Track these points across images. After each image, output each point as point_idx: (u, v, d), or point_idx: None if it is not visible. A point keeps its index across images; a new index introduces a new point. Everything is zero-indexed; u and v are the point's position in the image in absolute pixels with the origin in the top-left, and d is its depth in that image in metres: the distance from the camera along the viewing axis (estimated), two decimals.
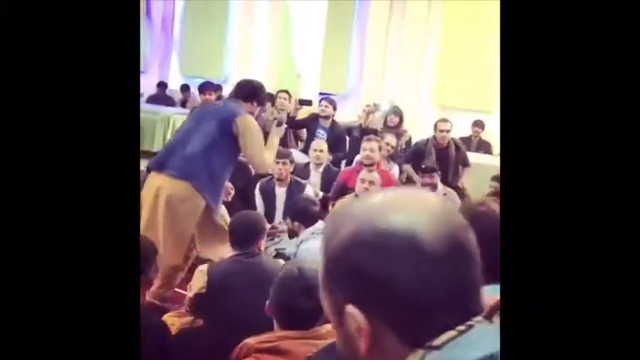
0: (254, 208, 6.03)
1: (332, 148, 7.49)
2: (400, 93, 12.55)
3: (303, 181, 6.43)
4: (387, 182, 6.21)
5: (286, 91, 8.57)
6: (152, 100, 11.76)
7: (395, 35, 13.60)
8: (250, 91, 5.06)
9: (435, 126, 7.51)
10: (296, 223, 4.98)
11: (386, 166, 7.01)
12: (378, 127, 8.47)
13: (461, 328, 0.97)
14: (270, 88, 8.36)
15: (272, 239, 5.74)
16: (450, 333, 0.97)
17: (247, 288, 3.50)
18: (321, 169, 6.96)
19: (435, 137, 7.48)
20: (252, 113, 4.99)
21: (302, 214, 5.00)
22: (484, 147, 10.03)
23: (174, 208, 4.71)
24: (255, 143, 4.86)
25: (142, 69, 12.38)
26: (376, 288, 0.97)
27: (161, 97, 11.96)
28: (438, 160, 7.20)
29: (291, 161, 6.35)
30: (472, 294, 1.02)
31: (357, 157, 7.06)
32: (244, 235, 3.85)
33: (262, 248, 4.00)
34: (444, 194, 6.37)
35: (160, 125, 9.81)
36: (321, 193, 6.68)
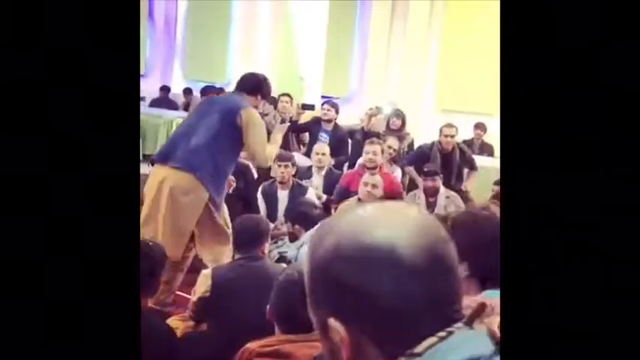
0: (256, 211, 6.02)
1: (334, 152, 7.48)
2: (402, 96, 12.56)
3: (305, 184, 6.43)
4: (389, 185, 6.20)
5: (288, 95, 8.57)
6: (155, 103, 11.76)
7: (397, 38, 13.60)
8: (254, 85, 5.04)
9: (441, 131, 7.50)
10: (296, 227, 4.98)
11: (388, 169, 7.00)
12: (380, 130, 8.47)
13: (441, 334, 0.99)
14: (273, 91, 8.38)
15: (275, 242, 5.74)
16: (431, 339, 0.98)
17: (251, 292, 3.50)
18: (323, 173, 6.96)
19: (440, 142, 7.47)
20: (256, 107, 4.99)
21: (302, 218, 5.00)
22: (486, 150, 10.03)
23: (177, 200, 4.69)
24: (258, 136, 4.84)
25: (144, 73, 12.44)
26: (357, 301, 0.99)
27: (164, 100, 11.96)
28: (442, 164, 7.19)
29: (293, 164, 6.35)
30: (452, 304, 1.03)
31: (360, 160, 7.06)
32: (248, 239, 3.85)
33: (266, 252, 3.99)
34: (447, 197, 6.38)
35: (163, 129, 9.81)
36: (324, 196, 6.68)
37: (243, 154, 5.51)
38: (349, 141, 8.17)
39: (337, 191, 6.54)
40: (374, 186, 5.78)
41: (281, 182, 6.21)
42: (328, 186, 6.83)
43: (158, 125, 9.63)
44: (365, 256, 0.99)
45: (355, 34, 13.93)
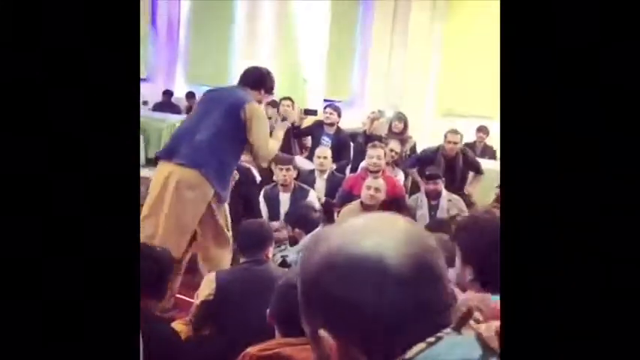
0: (258, 213, 6.03)
1: (336, 155, 7.48)
2: (405, 99, 12.57)
3: (306, 186, 6.42)
4: (392, 189, 6.20)
5: (289, 99, 8.58)
6: (158, 107, 11.77)
7: (399, 42, 13.63)
8: (258, 79, 5.02)
9: (445, 136, 7.49)
10: (297, 230, 4.97)
11: (391, 173, 6.99)
12: (382, 133, 8.47)
13: (430, 340, 1.00)
14: (276, 94, 8.37)
15: (278, 246, 5.74)
16: (420, 345, 0.99)
17: (255, 295, 3.49)
18: (325, 176, 6.96)
19: (444, 147, 7.46)
20: (259, 101, 4.97)
21: (302, 221, 4.99)
22: (488, 153, 10.01)
23: (182, 196, 4.69)
24: (262, 131, 4.83)
25: (147, 77, 12.45)
26: (346, 312, 1.00)
27: (167, 104, 11.97)
28: (446, 168, 7.17)
29: (294, 167, 6.36)
30: (440, 312, 1.03)
31: (362, 164, 7.05)
32: (252, 243, 3.84)
33: (270, 255, 3.98)
34: (449, 200, 6.37)
35: (166, 132, 9.81)
36: (323, 198, 6.67)
37: (244, 157, 5.51)
38: (351, 144, 8.16)
39: (340, 195, 6.54)
40: (377, 189, 5.78)
41: (283, 185, 6.21)
42: (331, 189, 6.82)
43: (161, 129, 9.64)
44: (353, 267, 1.00)
45: (357, 38, 13.94)
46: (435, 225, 5.17)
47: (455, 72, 12.87)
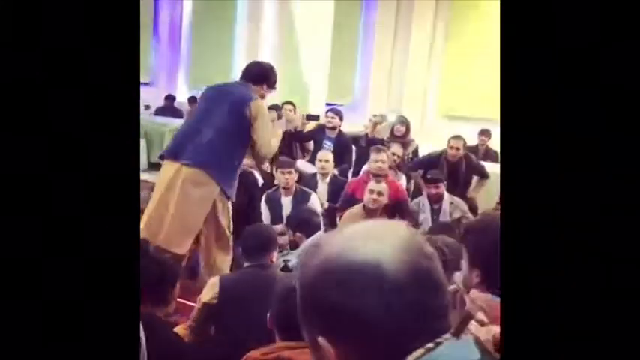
0: (260, 217, 6.03)
1: (338, 159, 7.47)
2: (407, 102, 12.57)
3: (308, 190, 6.42)
4: (394, 193, 6.19)
5: (291, 103, 8.58)
6: (160, 112, 11.78)
7: (401, 45, 13.64)
8: (260, 74, 5.02)
9: (448, 141, 7.49)
10: (297, 234, 4.97)
11: (393, 177, 6.98)
12: (384, 137, 8.47)
13: (429, 345, 0.99)
14: (278, 98, 8.38)
15: (281, 250, 5.74)
16: (419, 351, 0.99)
17: (259, 300, 3.48)
18: (327, 180, 6.95)
19: (447, 151, 7.45)
20: (262, 96, 4.96)
21: (303, 225, 4.99)
22: (490, 156, 10.00)
23: (188, 193, 4.70)
24: (266, 129, 4.85)
25: (150, 82, 12.47)
26: (344, 319, 1.00)
27: (169, 109, 11.99)
28: (448, 172, 7.17)
29: (296, 170, 6.36)
30: (438, 318, 1.03)
31: (365, 168, 7.05)
32: (257, 247, 3.83)
33: (274, 260, 3.98)
34: (451, 203, 6.37)
35: (169, 137, 9.80)
36: (326, 204, 6.68)
37: (246, 161, 5.51)
38: (353, 148, 8.16)
39: (343, 199, 6.53)
40: (379, 193, 5.77)
41: (285, 188, 6.21)
42: (333, 193, 6.81)
43: (163, 133, 9.63)
44: (351, 274, 1.00)
45: (359, 42, 13.95)
46: (438, 228, 5.16)
47: (457, 75, 12.87)
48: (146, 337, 2.32)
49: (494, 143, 10.16)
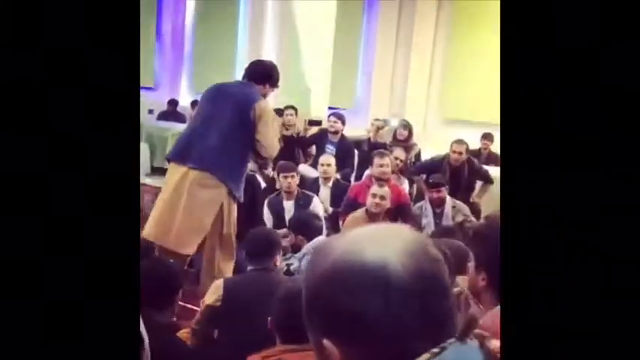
0: (263, 220, 6.04)
1: (341, 163, 7.47)
2: (409, 106, 12.57)
3: (310, 193, 6.42)
4: (397, 197, 6.19)
5: (293, 107, 8.58)
6: (163, 116, 11.79)
7: (403, 49, 13.64)
8: (263, 73, 5.01)
9: (450, 146, 7.49)
10: (299, 237, 4.97)
11: (396, 181, 6.98)
12: (387, 140, 8.48)
13: (435, 350, 0.99)
14: (280, 102, 8.39)
15: (284, 254, 5.74)
16: (424, 356, 0.98)
17: (262, 303, 3.48)
18: (329, 184, 6.95)
19: (449, 155, 7.45)
20: (264, 95, 4.95)
21: (304, 228, 4.99)
22: (493, 160, 9.98)
23: (197, 195, 4.72)
24: (270, 129, 4.85)
25: (153, 86, 12.48)
26: (349, 322, 0.99)
27: (172, 113, 12.00)
28: (451, 176, 7.16)
29: (298, 173, 6.37)
30: (445, 322, 1.03)
31: (367, 172, 7.04)
32: (260, 251, 3.82)
33: (278, 264, 3.98)
34: (453, 207, 6.36)
35: (172, 141, 9.82)
36: (330, 209, 6.67)
37: (249, 165, 5.52)
38: (356, 152, 8.16)
39: (345, 203, 6.52)
40: (382, 197, 5.77)
41: (287, 192, 6.21)
42: (336, 197, 6.81)
43: (166, 138, 9.65)
44: (357, 277, 1.00)
45: (361, 46, 13.96)
46: (442, 232, 5.16)
47: (459, 79, 12.87)
48: (149, 341, 2.32)
49: (497, 147, 10.15)
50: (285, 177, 6.18)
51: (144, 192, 6.48)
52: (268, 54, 11.31)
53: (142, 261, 2.49)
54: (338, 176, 7.22)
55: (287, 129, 8.34)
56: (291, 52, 10.69)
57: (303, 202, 6.14)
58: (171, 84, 13.27)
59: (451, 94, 13.14)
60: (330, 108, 10.63)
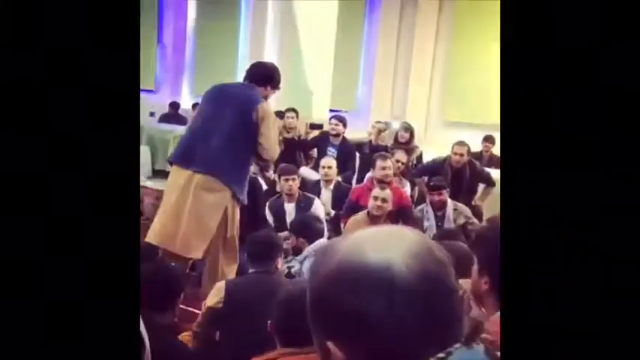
0: (264, 222, 6.03)
1: (342, 166, 7.47)
2: (410, 108, 12.57)
3: (311, 195, 6.42)
4: (399, 200, 6.19)
5: (294, 110, 8.58)
6: (165, 119, 11.81)
7: (404, 52, 13.65)
8: (264, 75, 5.00)
9: (452, 147, 7.48)
10: (300, 240, 4.96)
11: (397, 183, 6.97)
12: (388, 143, 8.47)
13: (440, 355, 0.99)
14: (281, 105, 8.39)
15: (286, 257, 5.74)
16: None
17: (263, 306, 3.48)
18: (331, 187, 6.95)
19: (451, 157, 7.44)
20: (265, 97, 4.95)
21: (305, 230, 4.98)
22: (495, 162, 9.98)
23: (202, 199, 4.72)
24: (272, 131, 4.85)
25: (154, 89, 12.50)
26: (354, 325, 0.99)
27: (173, 116, 12.01)
28: (452, 179, 7.16)
29: (298, 176, 6.37)
30: (451, 325, 1.03)
31: (369, 174, 7.04)
32: (262, 253, 3.82)
33: (279, 266, 3.97)
34: (455, 209, 6.35)
35: (173, 144, 9.83)
36: (332, 212, 6.67)
37: (251, 167, 5.52)
38: (357, 155, 8.16)
39: (347, 205, 6.52)
40: (384, 200, 5.76)
41: (288, 194, 6.21)
42: (337, 200, 6.81)
43: (168, 140, 9.66)
44: (361, 280, 1.00)
45: (363, 49, 13.97)
46: (443, 234, 5.15)
47: (461, 81, 12.87)
48: (150, 344, 2.32)
49: (499, 150, 10.14)
50: (287, 179, 6.18)
51: (145, 195, 6.48)
52: (269, 56, 11.32)
53: (144, 264, 2.48)
54: (339, 179, 7.22)
55: (288, 131, 8.34)
56: (292, 55, 10.69)
57: (304, 205, 6.15)
58: (173, 86, 13.29)
59: (452, 96, 13.14)
60: (331, 110, 10.63)
